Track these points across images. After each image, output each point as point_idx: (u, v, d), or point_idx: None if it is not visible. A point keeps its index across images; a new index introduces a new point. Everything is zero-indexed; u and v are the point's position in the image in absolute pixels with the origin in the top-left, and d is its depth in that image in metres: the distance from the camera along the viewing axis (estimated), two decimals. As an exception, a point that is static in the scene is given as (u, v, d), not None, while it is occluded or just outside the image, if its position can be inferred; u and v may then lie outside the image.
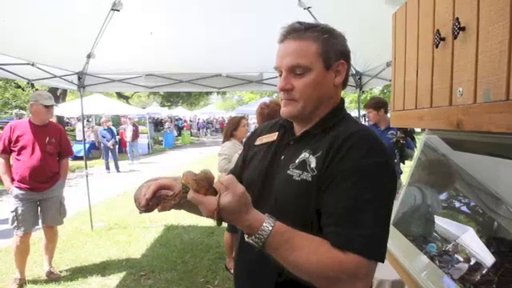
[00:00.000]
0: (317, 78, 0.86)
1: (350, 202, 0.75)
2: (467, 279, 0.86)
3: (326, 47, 0.86)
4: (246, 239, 0.74)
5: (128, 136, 11.67)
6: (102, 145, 10.30)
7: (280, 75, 0.89)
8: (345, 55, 0.89)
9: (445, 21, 0.80)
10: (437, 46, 0.84)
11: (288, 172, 0.87)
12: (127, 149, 11.77)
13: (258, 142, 1.03)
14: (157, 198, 0.88)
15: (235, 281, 1.03)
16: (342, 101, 0.93)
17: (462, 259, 0.91)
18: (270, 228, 0.72)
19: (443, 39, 0.81)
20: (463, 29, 0.72)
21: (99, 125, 12.20)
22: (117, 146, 10.72)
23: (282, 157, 0.92)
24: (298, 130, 0.93)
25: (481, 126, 0.68)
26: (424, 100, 0.93)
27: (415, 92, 0.98)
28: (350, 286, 0.73)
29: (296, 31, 0.88)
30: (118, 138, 10.97)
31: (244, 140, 1.16)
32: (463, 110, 0.74)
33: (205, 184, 0.75)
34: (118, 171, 9.98)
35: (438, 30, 0.82)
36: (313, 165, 0.83)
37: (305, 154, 0.86)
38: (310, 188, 0.81)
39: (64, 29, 3.19)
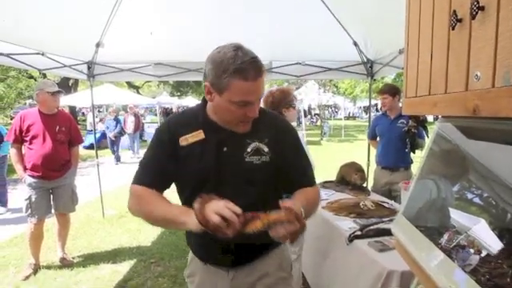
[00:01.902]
0: None
1: (304, 161, 1.29)
2: (479, 271, 0.84)
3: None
4: None
5: (129, 128, 10.96)
6: (107, 135, 10.12)
7: (243, 105, 1.08)
8: None
9: (462, 0, 0.76)
10: (453, 28, 0.79)
11: (246, 160, 1.15)
12: (129, 141, 11.29)
13: (184, 142, 1.17)
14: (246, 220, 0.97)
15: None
16: None
17: (474, 251, 0.88)
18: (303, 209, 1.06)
19: (460, 21, 0.76)
20: (482, 8, 0.67)
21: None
22: (123, 137, 10.44)
23: (225, 148, 1.16)
24: (228, 128, 1.17)
25: (499, 112, 0.64)
26: (438, 86, 0.88)
27: (429, 77, 0.94)
28: (319, 201, 1.31)
29: (261, 68, 1.07)
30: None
31: (159, 139, 1.23)
32: (480, 94, 0.70)
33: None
34: (118, 162, 9.91)
35: (454, 11, 0.78)
36: (266, 149, 1.17)
37: (255, 144, 1.16)
38: (270, 165, 1.17)
39: (73, 18, 3.19)
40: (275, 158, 1.18)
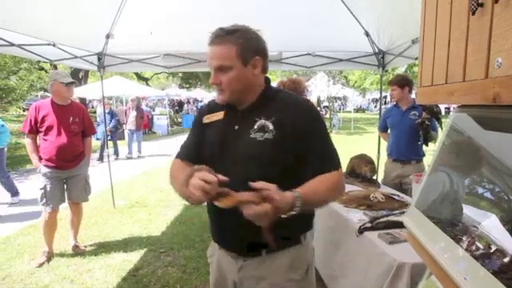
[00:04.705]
0: (237, 73, 1.17)
1: (323, 145, 1.22)
2: (495, 263, 0.82)
3: (242, 49, 1.15)
4: (288, 215, 1.04)
5: (130, 123, 9.63)
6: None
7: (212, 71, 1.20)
8: (260, 51, 1.21)
9: (484, -16, 0.73)
10: (473, 13, 0.76)
11: (251, 136, 1.19)
12: (128, 139, 10.04)
13: (207, 120, 1.31)
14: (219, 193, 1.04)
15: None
16: (268, 80, 1.30)
17: (488, 243, 0.86)
18: (299, 194, 1.05)
19: (481, 5, 0.73)
20: (506, -9, 0.64)
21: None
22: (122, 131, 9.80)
23: (236, 127, 1.23)
24: (239, 107, 1.26)
25: (522, 100, 0.61)
26: (456, 73, 0.85)
27: (446, 65, 0.91)
28: (342, 188, 1.24)
29: (219, 37, 1.16)
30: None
31: (195, 119, 1.43)
32: (501, 81, 0.67)
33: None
34: (117, 157, 9.34)
35: (475, -4, 0.75)
36: (271, 127, 1.19)
37: (261, 121, 1.20)
38: (272, 143, 1.18)
39: (83, 9, 3.20)
40: (280, 137, 1.17)
